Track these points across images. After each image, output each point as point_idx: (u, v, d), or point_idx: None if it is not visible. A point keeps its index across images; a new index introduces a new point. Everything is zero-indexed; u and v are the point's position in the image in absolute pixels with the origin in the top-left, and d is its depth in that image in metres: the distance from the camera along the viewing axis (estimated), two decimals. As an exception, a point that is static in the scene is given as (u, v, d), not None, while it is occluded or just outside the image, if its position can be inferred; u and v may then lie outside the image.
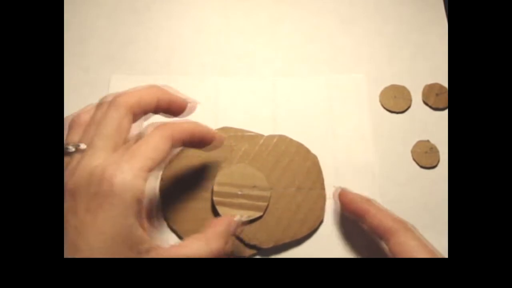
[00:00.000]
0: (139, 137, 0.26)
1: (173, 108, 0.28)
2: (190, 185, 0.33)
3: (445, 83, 0.37)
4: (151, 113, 0.27)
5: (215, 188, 0.32)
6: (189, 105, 0.28)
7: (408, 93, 0.37)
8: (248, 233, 0.31)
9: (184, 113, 0.28)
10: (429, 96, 0.37)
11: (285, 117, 0.36)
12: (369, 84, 0.37)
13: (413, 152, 0.35)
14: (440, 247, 0.33)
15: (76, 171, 0.24)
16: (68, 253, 0.22)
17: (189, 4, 0.40)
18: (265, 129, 0.35)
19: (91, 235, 0.22)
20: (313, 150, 0.34)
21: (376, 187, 0.34)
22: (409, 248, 0.27)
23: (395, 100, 0.36)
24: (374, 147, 0.35)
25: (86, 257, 0.22)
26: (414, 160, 0.35)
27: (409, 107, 0.37)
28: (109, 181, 0.23)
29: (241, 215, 0.30)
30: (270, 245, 0.31)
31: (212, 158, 0.34)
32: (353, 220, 0.31)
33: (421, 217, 0.33)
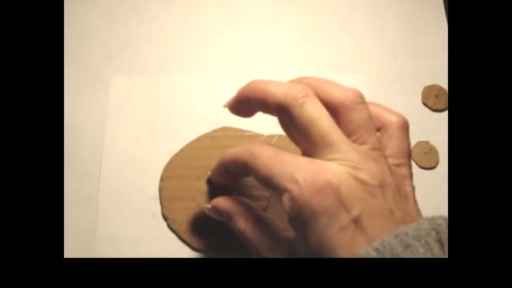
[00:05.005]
0: None
1: None
2: (190, 185, 0.33)
3: (445, 84, 0.37)
4: None
5: (215, 188, 0.32)
6: None
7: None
8: (248, 233, 0.31)
9: None
10: (428, 98, 0.37)
11: (285, 117, 0.36)
12: (368, 84, 0.37)
13: (412, 152, 0.35)
14: (439, 247, 0.33)
15: None
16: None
17: (189, 4, 0.40)
18: (265, 129, 0.35)
19: None
20: (313, 150, 0.34)
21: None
22: None
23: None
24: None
25: None
26: (414, 160, 0.35)
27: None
28: None
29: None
30: (270, 245, 0.31)
31: (212, 158, 0.34)
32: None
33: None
